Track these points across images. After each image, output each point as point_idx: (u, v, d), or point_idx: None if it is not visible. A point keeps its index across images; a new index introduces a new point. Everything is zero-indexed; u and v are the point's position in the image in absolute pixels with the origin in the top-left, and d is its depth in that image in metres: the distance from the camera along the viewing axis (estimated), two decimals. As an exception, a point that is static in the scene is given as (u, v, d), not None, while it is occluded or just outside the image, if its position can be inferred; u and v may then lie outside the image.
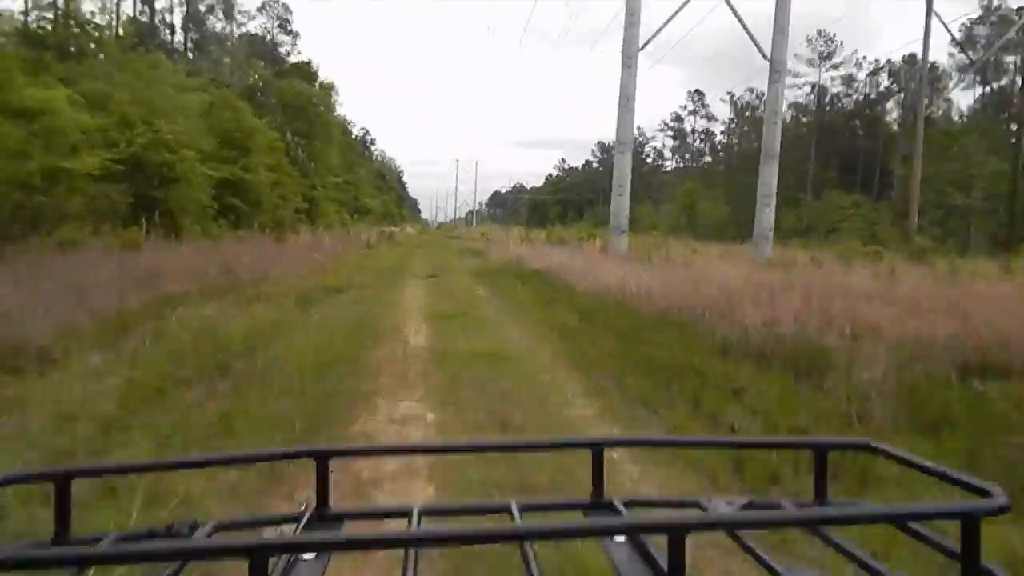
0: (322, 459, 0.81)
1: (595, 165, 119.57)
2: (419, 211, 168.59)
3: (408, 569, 0.64)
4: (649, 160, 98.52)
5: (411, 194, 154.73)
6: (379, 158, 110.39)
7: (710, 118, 78.97)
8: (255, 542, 0.56)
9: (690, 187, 67.86)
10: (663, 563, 0.63)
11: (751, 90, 65.98)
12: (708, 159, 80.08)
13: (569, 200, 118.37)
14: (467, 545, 0.60)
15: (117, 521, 2.77)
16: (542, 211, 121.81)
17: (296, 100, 31.70)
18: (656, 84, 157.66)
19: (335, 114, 49.15)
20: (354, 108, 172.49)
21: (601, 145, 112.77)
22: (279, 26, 39.83)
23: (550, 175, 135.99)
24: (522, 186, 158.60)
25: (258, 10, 40.98)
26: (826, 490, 0.82)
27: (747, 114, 68.68)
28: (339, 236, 27.49)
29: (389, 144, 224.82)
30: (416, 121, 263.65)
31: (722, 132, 76.28)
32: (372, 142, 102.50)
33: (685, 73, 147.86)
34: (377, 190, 61.92)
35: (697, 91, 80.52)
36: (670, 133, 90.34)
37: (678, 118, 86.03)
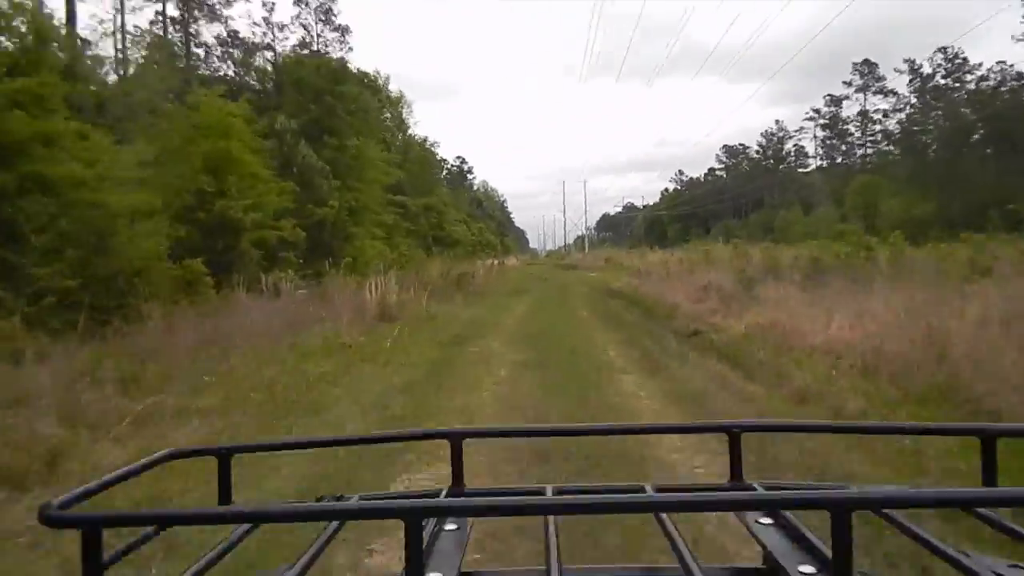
0: (456, 439, 0.85)
1: (719, 172, 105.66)
2: (527, 242, 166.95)
3: (550, 545, 0.65)
4: (792, 159, 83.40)
5: (518, 225, 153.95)
6: (481, 188, 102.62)
7: (886, 93, 61.77)
8: (409, 504, 0.59)
9: (868, 181, 53.22)
10: (820, 545, 0.64)
11: (943, 51, 50.61)
12: (889, 147, 63.57)
13: (690, 215, 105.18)
14: (604, 513, 0.63)
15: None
16: (659, 229, 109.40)
17: (315, 83, 22.18)
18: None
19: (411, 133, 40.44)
20: (454, 147, 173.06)
21: (728, 149, 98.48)
22: (322, 21, 31.19)
23: (666, 190, 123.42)
24: (633, 205, 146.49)
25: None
26: (995, 479, 0.76)
27: (938, 82, 53.07)
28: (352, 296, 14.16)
29: (492, 178, 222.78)
30: (517, 157, 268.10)
31: (896, 110, 60.36)
32: (470, 170, 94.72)
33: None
34: (470, 218, 52.51)
35: (866, 61, 64.22)
36: (821, 122, 74.72)
37: (835, 101, 70.27)
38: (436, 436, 0.92)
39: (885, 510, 0.68)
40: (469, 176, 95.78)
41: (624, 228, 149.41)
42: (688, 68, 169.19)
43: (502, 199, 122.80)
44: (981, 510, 0.70)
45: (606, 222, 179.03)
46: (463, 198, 56.37)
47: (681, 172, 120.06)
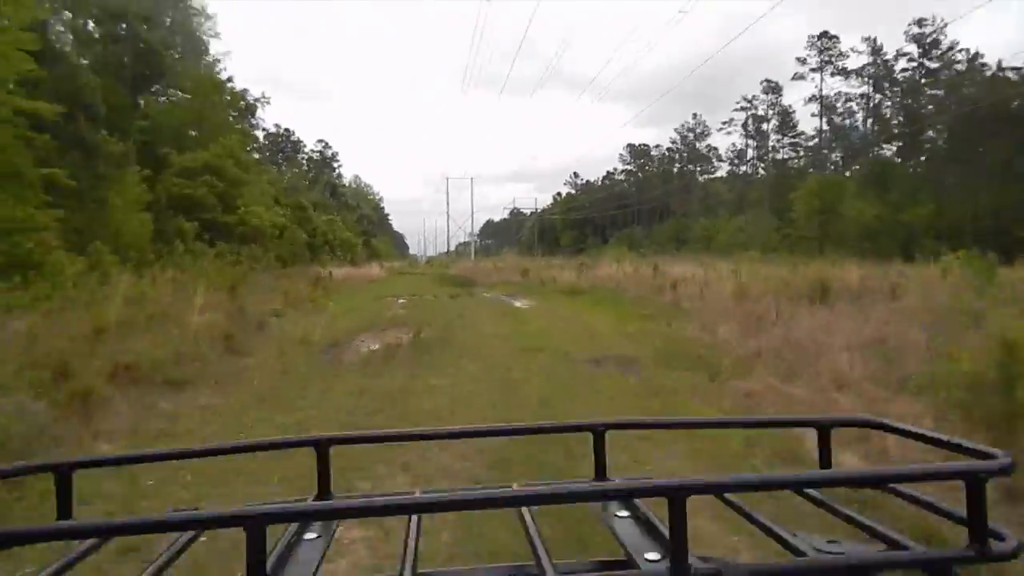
0: (323, 447, 0.84)
1: (620, 177, 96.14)
2: (406, 247, 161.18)
3: (408, 547, 0.65)
4: (706, 161, 74.14)
5: (397, 230, 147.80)
6: (353, 183, 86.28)
7: (846, 74, 50.86)
8: (253, 511, 0.55)
9: (827, 181, 43.37)
10: (665, 532, 0.64)
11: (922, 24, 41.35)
12: (834, 145, 53.73)
13: (585, 221, 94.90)
14: (468, 510, 0.58)
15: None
16: (551, 236, 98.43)
17: None
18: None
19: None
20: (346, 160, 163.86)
21: (632, 149, 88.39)
22: None
23: (558, 194, 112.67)
24: (519, 211, 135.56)
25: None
26: (829, 465, 0.84)
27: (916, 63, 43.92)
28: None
29: (376, 184, 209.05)
30: (398, 163, 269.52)
31: (854, 102, 50.91)
32: (334, 157, 78.52)
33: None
34: (318, 208, 36.99)
35: (824, 34, 52.84)
36: (738, 125, 65.19)
37: (775, 88, 60.21)
38: (302, 444, 0.87)
39: (722, 495, 0.72)
40: (335, 165, 79.90)
41: (509, 235, 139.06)
42: (561, 88, 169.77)
43: (378, 197, 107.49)
44: (812, 492, 0.76)
45: (490, 228, 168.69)
46: (322, 181, 40.66)
47: (576, 175, 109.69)
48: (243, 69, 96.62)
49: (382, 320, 14.04)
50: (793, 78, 54.74)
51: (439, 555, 3.29)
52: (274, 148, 60.25)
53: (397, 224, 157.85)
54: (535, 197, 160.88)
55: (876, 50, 46.68)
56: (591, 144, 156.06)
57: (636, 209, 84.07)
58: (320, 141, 71.74)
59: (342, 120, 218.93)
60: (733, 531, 3.29)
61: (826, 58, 50.13)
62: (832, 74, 50.64)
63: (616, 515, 0.78)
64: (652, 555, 0.68)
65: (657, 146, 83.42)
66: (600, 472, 0.89)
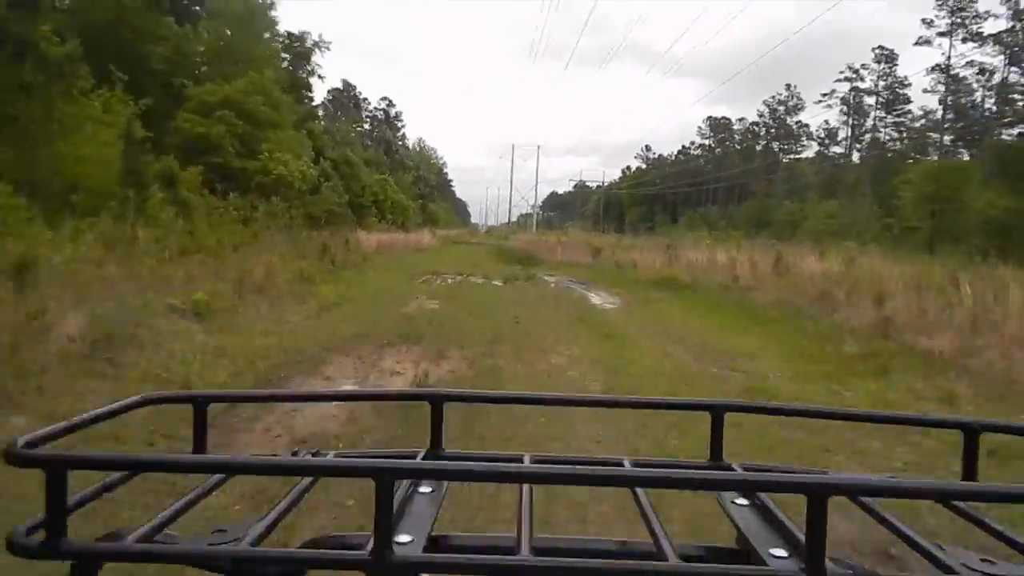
0: (437, 402, 0.86)
1: (696, 152, 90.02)
2: (468, 215, 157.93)
3: (523, 513, 0.66)
4: (798, 137, 67.91)
5: (461, 198, 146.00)
6: (417, 146, 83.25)
7: (982, 40, 42.65)
8: (382, 464, 0.58)
9: (950, 166, 37.90)
10: (794, 529, 0.64)
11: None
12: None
13: (655, 197, 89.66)
14: (580, 484, 0.58)
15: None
16: (617, 211, 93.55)
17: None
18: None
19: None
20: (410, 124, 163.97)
21: (713, 122, 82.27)
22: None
23: (627, 168, 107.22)
24: (584, 183, 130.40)
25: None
26: (975, 473, 0.78)
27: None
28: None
29: (440, 150, 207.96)
30: (463, 130, 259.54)
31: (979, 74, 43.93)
32: (398, 117, 75.71)
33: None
34: (369, 165, 33.99)
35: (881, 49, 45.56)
36: (836, 98, 58.38)
37: (888, 56, 53.03)
38: (418, 397, 0.92)
39: (862, 498, 0.69)
40: (399, 124, 77.17)
41: (572, 208, 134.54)
42: (631, 61, 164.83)
43: (441, 162, 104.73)
44: (959, 504, 0.71)
45: (553, 200, 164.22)
46: (344, 130, 37.58)
47: (648, 148, 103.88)
48: (307, 25, 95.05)
49: (387, 326, 9.29)
50: (917, 43, 47.36)
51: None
52: (336, 105, 57.78)
53: (460, 192, 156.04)
54: (603, 170, 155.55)
55: (1018, 13, 39.75)
56: (658, 120, 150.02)
57: (712, 187, 78.45)
58: (384, 99, 68.79)
59: (407, 84, 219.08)
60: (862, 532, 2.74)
61: (958, 19, 43.10)
62: (964, 39, 43.47)
63: (734, 502, 0.74)
64: (777, 551, 0.64)
65: (741, 119, 76.80)
66: (716, 454, 0.86)
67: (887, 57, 51.85)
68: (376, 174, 34.78)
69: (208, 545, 0.62)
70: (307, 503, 0.71)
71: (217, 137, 16.82)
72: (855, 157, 60.70)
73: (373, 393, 1.28)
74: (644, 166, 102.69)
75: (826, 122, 65.54)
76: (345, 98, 54.70)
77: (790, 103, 66.79)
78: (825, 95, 57.94)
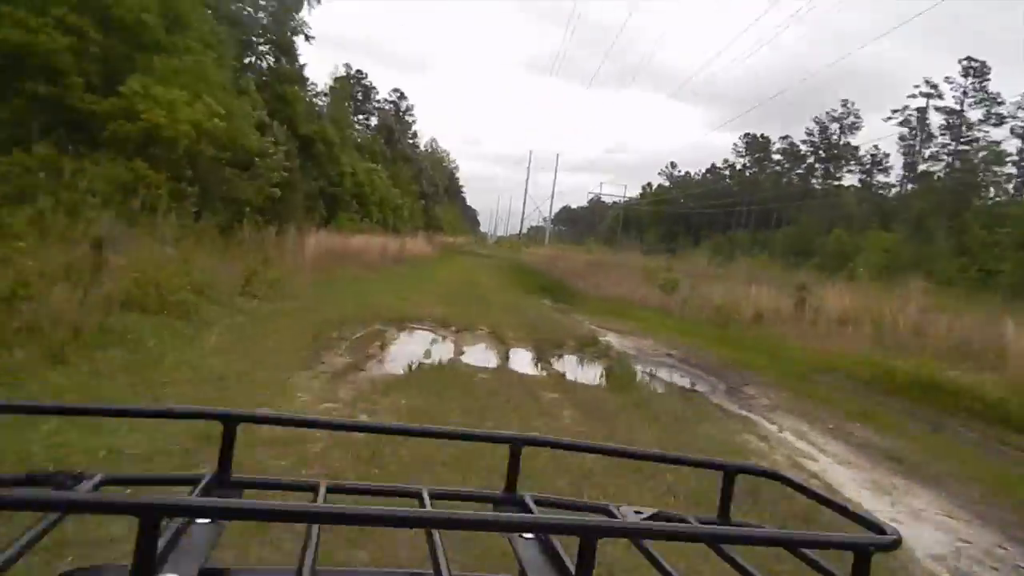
0: (230, 423, 0.81)
1: (725, 171, 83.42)
2: (477, 224, 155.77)
3: (309, 546, 0.63)
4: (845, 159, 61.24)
5: (471, 205, 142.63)
6: (428, 147, 76.73)
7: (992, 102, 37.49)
8: (148, 501, 0.53)
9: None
10: (569, 564, 0.66)
11: None
12: None
13: (678, 217, 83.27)
14: (372, 526, 0.57)
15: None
16: (635, 229, 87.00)
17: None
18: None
19: None
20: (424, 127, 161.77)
21: (750, 139, 75.74)
22: None
23: (648, 184, 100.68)
24: (599, 199, 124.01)
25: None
26: (728, 509, 0.87)
27: None
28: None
29: (452, 154, 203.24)
30: (477, 139, 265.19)
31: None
32: (408, 112, 69.41)
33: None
34: (359, 151, 27.55)
35: (969, 61, 39.14)
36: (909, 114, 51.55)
37: (978, 70, 46.02)
38: (212, 417, 0.83)
39: (637, 540, 0.72)
40: (409, 119, 70.87)
41: (586, 223, 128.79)
42: (650, 82, 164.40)
43: (452, 166, 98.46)
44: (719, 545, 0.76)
45: (566, 215, 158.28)
46: (342, 116, 31.22)
47: (673, 165, 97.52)
48: (327, 28, 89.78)
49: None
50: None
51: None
52: (342, 92, 51.62)
53: (471, 200, 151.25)
54: (624, 184, 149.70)
55: None
56: (674, 142, 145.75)
57: (744, 210, 71.87)
58: (395, 90, 62.44)
59: (424, 90, 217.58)
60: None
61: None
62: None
63: (521, 536, 0.75)
64: None
65: (784, 137, 69.93)
66: (510, 486, 0.87)
67: (975, 71, 44.98)
68: (369, 163, 28.30)
69: None
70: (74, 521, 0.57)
71: (49, 50, 9.37)
72: (911, 187, 54.20)
73: (163, 411, 0.74)
74: (668, 183, 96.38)
75: (876, 147, 58.98)
76: (352, 85, 48.37)
77: (846, 121, 59.94)
78: (896, 111, 51.15)
